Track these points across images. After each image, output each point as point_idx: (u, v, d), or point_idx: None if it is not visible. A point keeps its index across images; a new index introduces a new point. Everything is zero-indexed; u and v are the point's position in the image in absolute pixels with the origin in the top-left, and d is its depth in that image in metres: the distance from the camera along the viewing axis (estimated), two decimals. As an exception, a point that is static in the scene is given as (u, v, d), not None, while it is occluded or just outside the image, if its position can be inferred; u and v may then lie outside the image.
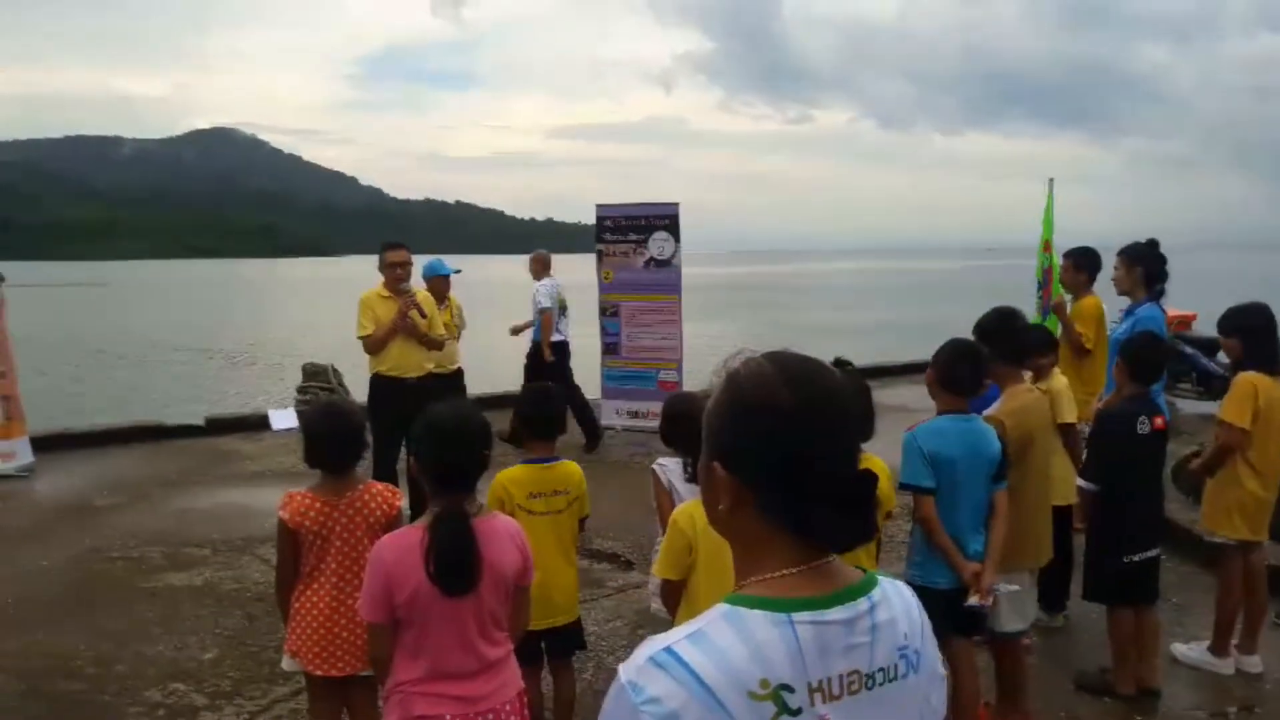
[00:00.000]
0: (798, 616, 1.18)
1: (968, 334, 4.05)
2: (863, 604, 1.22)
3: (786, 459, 1.21)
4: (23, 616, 5.53)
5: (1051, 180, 7.05)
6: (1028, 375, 4.65)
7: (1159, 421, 4.42)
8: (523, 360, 9.63)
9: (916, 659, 1.27)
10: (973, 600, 3.62)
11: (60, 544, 6.82)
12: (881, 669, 1.22)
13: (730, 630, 1.16)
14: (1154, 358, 4.54)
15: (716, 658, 1.14)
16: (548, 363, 9.37)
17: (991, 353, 4.00)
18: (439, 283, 8.18)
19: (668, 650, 1.16)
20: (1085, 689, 4.51)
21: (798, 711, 1.15)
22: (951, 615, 3.58)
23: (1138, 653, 4.42)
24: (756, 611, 1.18)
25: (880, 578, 1.29)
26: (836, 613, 1.20)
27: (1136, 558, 4.34)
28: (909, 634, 1.27)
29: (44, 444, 9.37)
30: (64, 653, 5.04)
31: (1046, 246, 6.87)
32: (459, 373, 8.23)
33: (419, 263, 7.82)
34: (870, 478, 1.25)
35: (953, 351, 3.74)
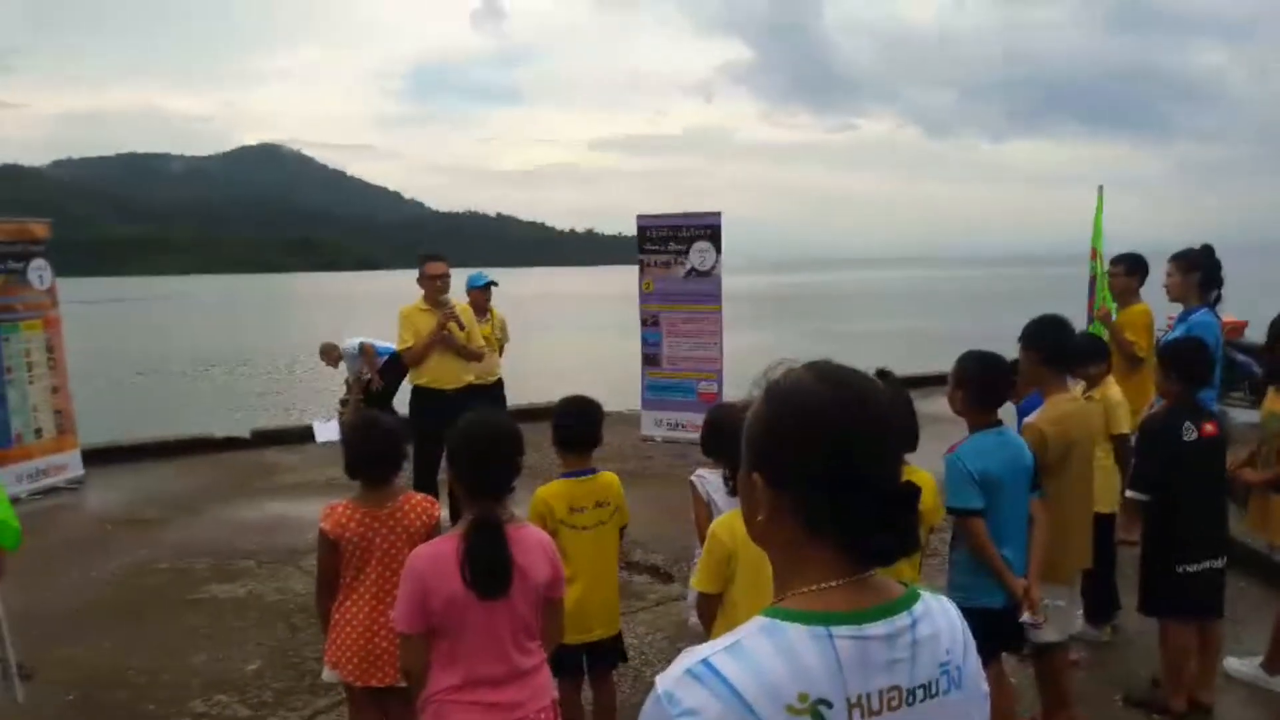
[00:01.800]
0: (837, 630, 1.16)
1: (1010, 344, 3.99)
2: (904, 619, 1.20)
3: (828, 470, 1.19)
4: (74, 627, 5.62)
5: (1101, 187, 6.93)
6: (1077, 384, 4.56)
7: (1209, 428, 4.28)
8: (550, 375, 9.79)
9: (959, 675, 1.25)
10: (1026, 616, 3.55)
11: (109, 555, 6.94)
12: (922, 685, 1.20)
13: (768, 643, 1.15)
14: (1196, 359, 4.38)
15: (754, 670, 1.13)
16: (385, 389, 10.05)
17: (1038, 359, 3.93)
18: (479, 295, 8.22)
19: (704, 662, 1.15)
20: (1135, 704, 4.40)
21: None
22: (1000, 633, 3.51)
23: (1196, 667, 4.31)
24: (795, 625, 1.16)
25: (923, 592, 1.27)
26: (877, 627, 1.18)
27: (1191, 568, 4.21)
28: (951, 650, 1.24)
29: (94, 457, 9.55)
30: (113, 663, 5.13)
31: (1094, 254, 6.76)
32: (499, 384, 8.26)
33: (461, 276, 7.87)
34: (913, 489, 1.23)
35: (982, 367, 3.64)
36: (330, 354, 10.85)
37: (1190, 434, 4.22)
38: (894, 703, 1.18)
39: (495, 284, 8.45)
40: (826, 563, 1.21)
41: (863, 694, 1.15)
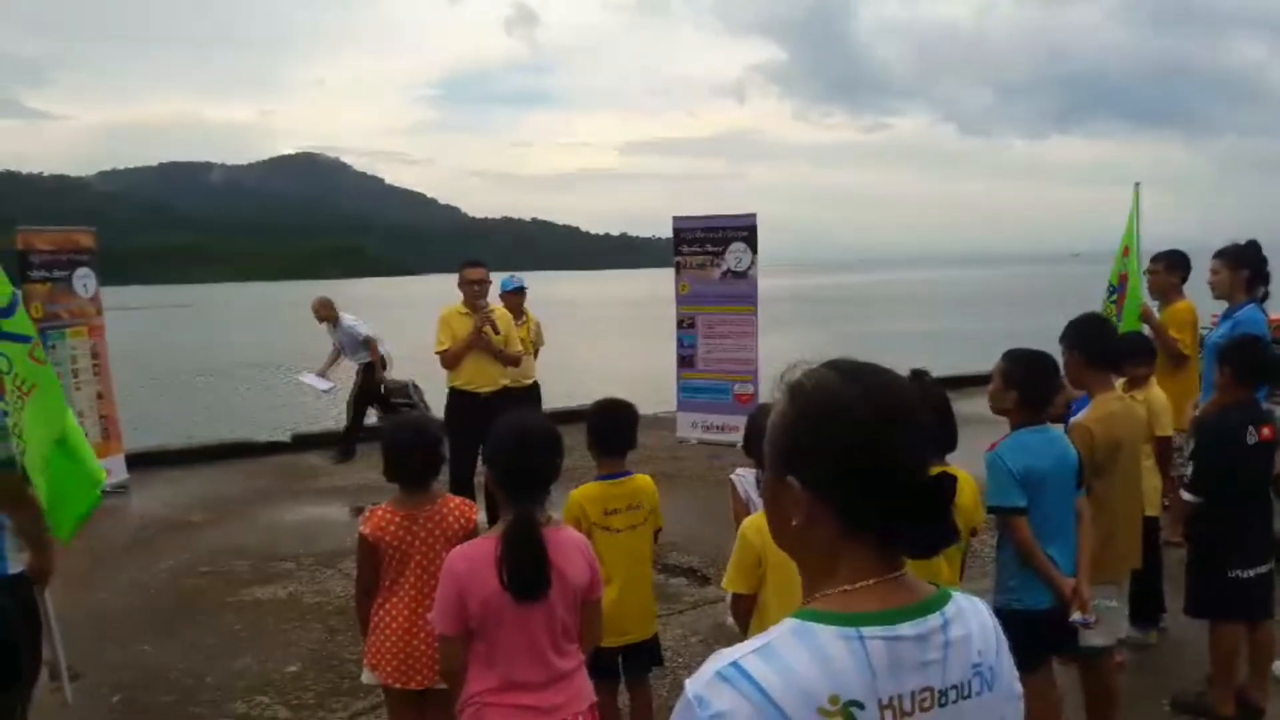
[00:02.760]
0: (868, 631, 1.15)
1: (1051, 342, 3.93)
2: (935, 619, 1.19)
3: (864, 465, 1.19)
4: (120, 629, 5.71)
5: (1138, 185, 6.81)
6: (1120, 383, 4.49)
7: (1266, 431, 4.18)
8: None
9: (991, 676, 1.23)
10: (1076, 616, 3.48)
11: (154, 559, 7.04)
12: (954, 686, 1.19)
13: (799, 645, 1.14)
14: (1261, 358, 4.27)
15: (784, 672, 1.12)
16: (375, 388, 10.08)
17: (1081, 359, 3.87)
18: (512, 298, 8.27)
19: (734, 665, 1.14)
20: (1182, 709, 4.32)
21: None
22: (1048, 636, 3.45)
23: (1249, 669, 4.22)
24: (826, 626, 1.16)
25: (955, 593, 1.26)
26: (908, 628, 1.17)
27: (1247, 573, 4.12)
28: (984, 651, 1.23)
29: (139, 461, 9.71)
30: (158, 665, 5.20)
31: (1125, 251, 6.65)
32: (535, 387, 8.30)
33: (500, 281, 7.94)
34: (949, 480, 1.22)
35: (1034, 367, 3.57)
36: (324, 309, 10.45)
37: (1252, 437, 4.13)
38: (926, 704, 1.17)
39: (525, 288, 8.48)
40: (858, 563, 1.21)
41: (895, 695, 1.14)
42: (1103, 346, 3.93)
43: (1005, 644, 1.28)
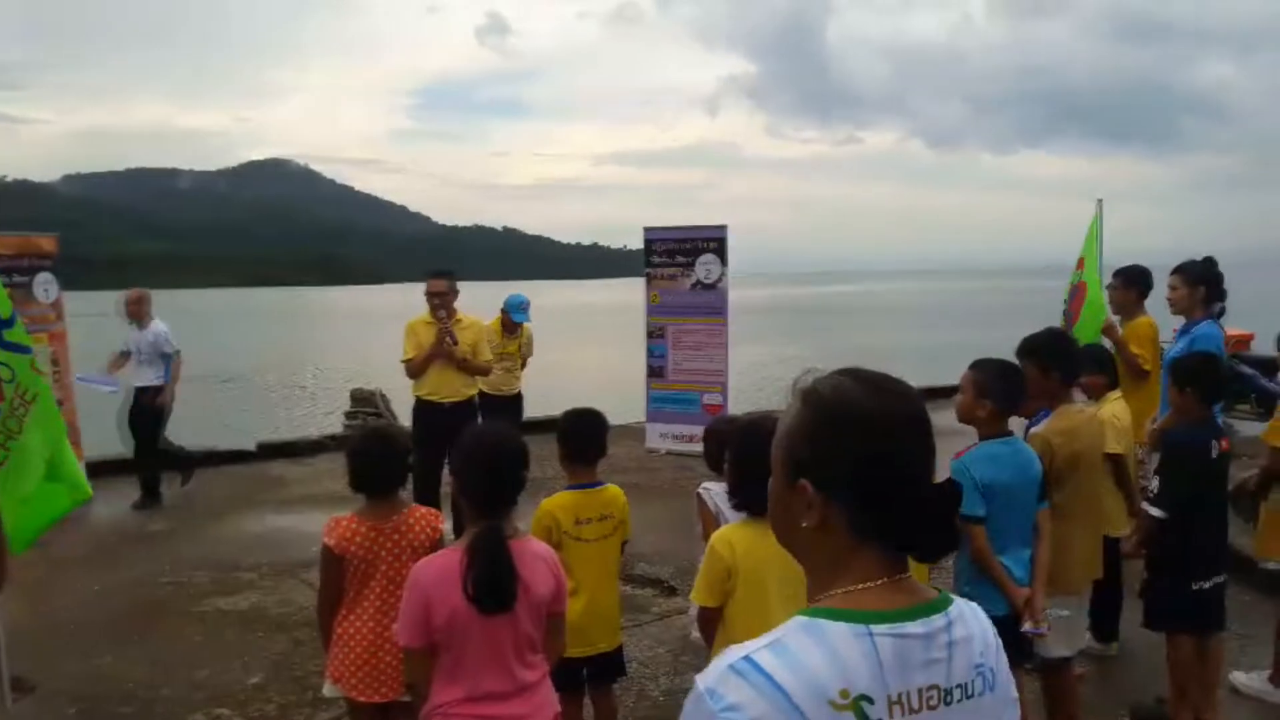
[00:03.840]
0: (877, 629, 1.18)
1: (1012, 356, 3.97)
2: (940, 620, 1.22)
3: (879, 470, 1.22)
4: (78, 640, 5.61)
5: (1100, 201, 6.90)
6: (1080, 396, 4.52)
7: (1225, 444, 4.26)
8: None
9: (992, 678, 1.27)
10: (1027, 626, 3.52)
11: (114, 569, 6.94)
12: (959, 685, 1.22)
13: (809, 640, 1.16)
14: (1216, 376, 4.34)
15: (796, 666, 1.14)
16: (154, 410, 8.81)
17: (1038, 372, 3.92)
18: (509, 319, 8.29)
19: (746, 659, 1.16)
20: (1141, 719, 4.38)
21: None
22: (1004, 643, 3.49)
23: (1198, 682, 4.27)
24: (836, 623, 1.18)
25: (954, 597, 1.29)
26: (915, 626, 1.20)
27: (1206, 585, 4.18)
28: (984, 652, 1.27)
29: (100, 469, 9.53)
30: (116, 676, 5.12)
31: (1080, 264, 6.75)
32: (518, 397, 8.27)
33: (469, 290, 7.91)
34: (956, 486, 1.26)
35: (1009, 377, 3.63)
36: (138, 305, 9.02)
37: (1215, 450, 4.19)
38: (933, 702, 1.19)
39: (527, 320, 8.44)
40: (866, 565, 1.24)
41: (903, 691, 1.17)
42: (1060, 359, 3.97)
43: (1002, 648, 1.32)
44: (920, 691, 1.18)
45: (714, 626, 3.01)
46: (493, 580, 2.54)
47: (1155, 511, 4.21)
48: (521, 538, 2.73)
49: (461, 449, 2.73)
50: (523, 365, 8.55)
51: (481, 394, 7.99)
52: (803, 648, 1.15)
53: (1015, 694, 1.32)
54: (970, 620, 1.27)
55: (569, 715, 3.64)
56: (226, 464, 10.51)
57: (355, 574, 3.27)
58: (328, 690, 3.44)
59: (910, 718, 1.17)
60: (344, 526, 3.26)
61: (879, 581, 1.22)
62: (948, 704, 1.20)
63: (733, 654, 1.17)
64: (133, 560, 7.12)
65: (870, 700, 1.14)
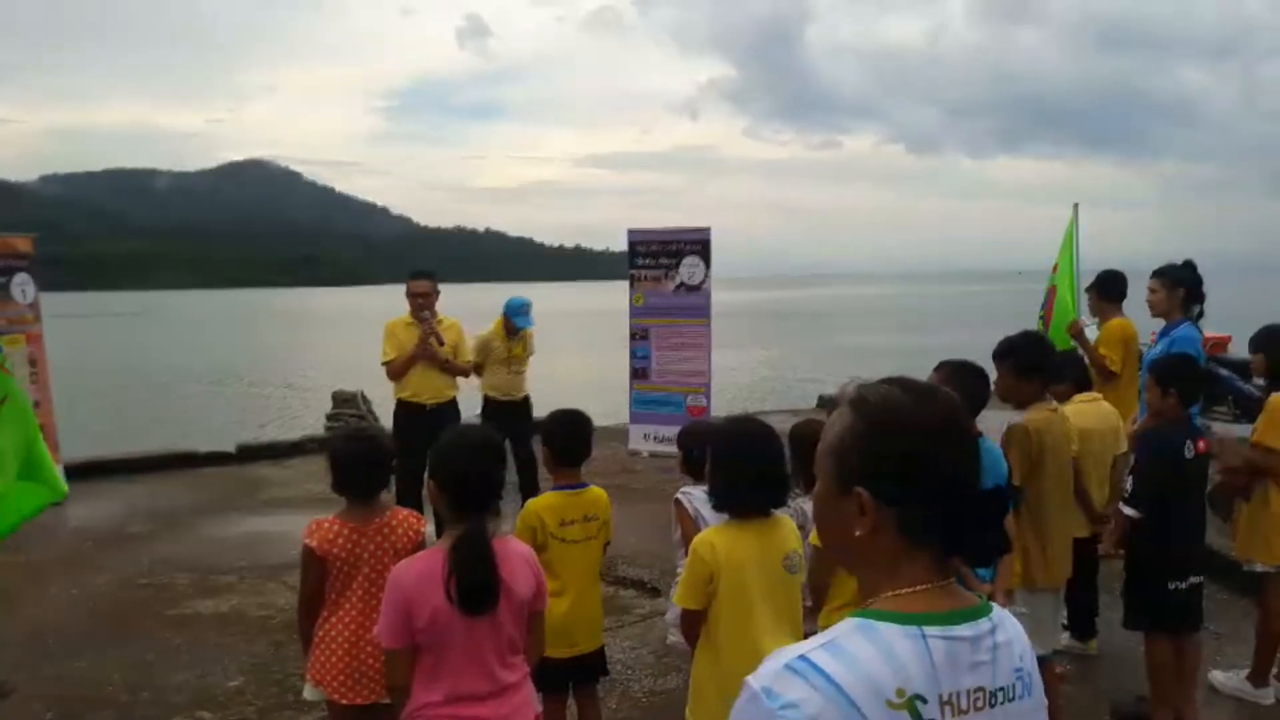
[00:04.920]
0: (929, 630, 1.20)
1: (986, 359, 4.01)
2: (985, 624, 1.25)
3: (930, 475, 1.25)
4: (57, 644, 5.55)
5: (1076, 206, 6.97)
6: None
7: (1203, 445, 4.31)
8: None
9: (1030, 682, 1.29)
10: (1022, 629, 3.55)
11: (93, 572, 6.88)
12: (1002, 688, 1.25)
13: (865, 640, 1.18)
14: (1192, 377, 4.40)
15: (853, 666, 1.16)
16: None
17: (1011, 374, 3.97)
18: (510, 324, 8.10)
19: (802, 658, 1.17)
20: (1121, 719, 4.41)
21: None
22: None
23: (1177, 681, 4.31)
24: (889, 624, 1.20)
25: (994, 604, 1.31)
26: (963, 629, 1.22)
27: (1183, 584, 4.22)
28: (1023, 657, 1.29)
29: (77, 472, 9.45)
30: (95, 680, 5.07)
31: (1055, 268, 6.82)
32: (526, 400, 8.06)
33: (450, 292, 7.85)
34: (1002, 491, 1.28)
35: (961, 376, 3.66)
36: None
37: (1190, 451, 4.23)
38: (979, 703, 1.22)
39: (530, 325, 8.09)
40: (917, 569, 1.26)
41: (954, 692, 1.19)
42: (1034, 361, 4.01)
43: (1035, 654, 1.35)
44: (969, 693, 1.21)
45: (697, 629, 3.01)
46: (476, 582, 2.53)
47: (1129, 511, 4.26)
48: (502, 537, 2.72)
49: (440, 451, 2.71)
50: (525, 367, 8.37)
51: (488, 399, 7.91)
52: (859, 647, 1.17)
53: (1045, 700, 1.34)
54: (1010, 626, 1.30)
55: (552, 716, 3.64)
56: (206, 466, 10.45)
57: (337, 576, 3.25)
58: (308, 693, 3.42)
59: (959, 718, 1.19)
60: (326, 528, 3.24)
61: (928, 586, 1.25)
62: (992, 706, 1.23)
63: (787, 654, 1.19)
64: (111, 563, 7.06)
65: (924, 700, 1.17)
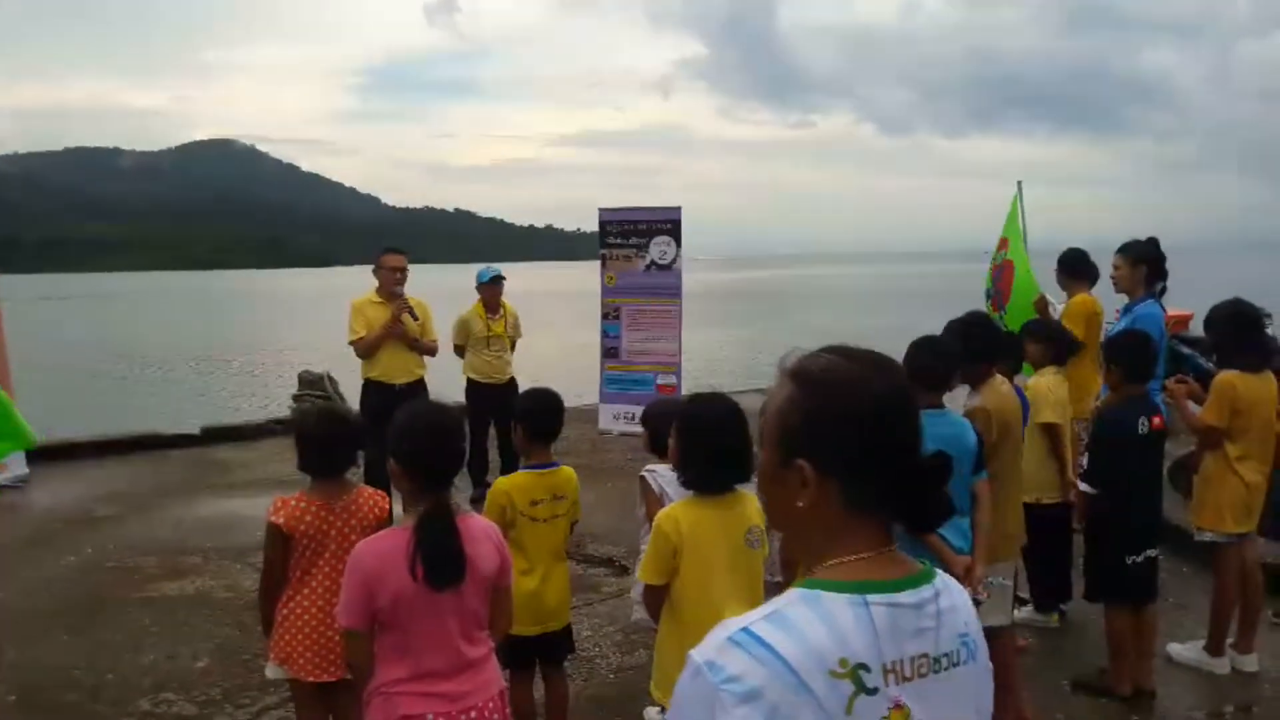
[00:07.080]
0: (872, 598, 1.20)
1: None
2: (928, 590, 1.25)
3: (873, 443, 1.24)
4: (20, 627, 5.50)
5: (1020, 183, 7.14)
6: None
7: (1157, 421, 4.39)
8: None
9: (974, 648, 1.30)
10: (967, 593, 3.59)
11: (57, 555, 6.81)
12: (946, 654, 1.25)
13: (808, 610, 1.18)
14: (1142, 354, 4.48)
15: (796, 636, 1.15)
16: None
17: (965, 355, 4.01)
18: (489, 290, 8.06)
19: (745, 630, 1.17)
20: (1082, 689, 4.49)
21: (874, 691, 1.17)
22: None
23: (1136, 651, 4.40)
24: (833, 594, 1.20)
25: (938, 570, 1.32)
26: (906, 596, 1.22)
27: (1138, 558, 4.32)
28: (967, 623, 1.30)
29: (41, 455, 9.32)
30: (60, 663, 5.03)
31: (1004, 244, 6.89)
32: (512, 382, 8.00)
33: (420, 272, 7.79)
34: (947, 457, 1.28)
35: (934, 351, 3.70)
36: None
37: (1144, 427, 4.31)
38: (923, 669, 1.22)
39: (503, 277, 8.23)
40: (858, 538, 1.26)
41: (896, 660, 1.20)
42: (975, 344, 4.03)
43: (978, 619, 1.36)
44: (912, 660, 1.21)
45: (659, 604, 3.02)
46: (442, 556, 2.53)
47: (1084, 487, 4.39)
48: (464, 514, 2.72)
49: (401, 427, 2.69)
50: (511, 348, 8.33)
51: (472, 382, 7.86)
52: (802, 617, 1.17)
53: (990, 664, 1.36)
54: (955, 592, 1.30)
55: (520, 694, 3.65)
56: (170, 448, 10.35)
57: (302, 554, 3.24)
58: (270, 672, 3.41)
59: (903, 685, 1.19)
60: (293, 505, 3.23)
61: (870, 553, 1.25)
62: (936, 672, 1.23)
63: (730, 626, 1.18)
64: (75, 546, 6.99)
65: (867, 669, 1.17)
